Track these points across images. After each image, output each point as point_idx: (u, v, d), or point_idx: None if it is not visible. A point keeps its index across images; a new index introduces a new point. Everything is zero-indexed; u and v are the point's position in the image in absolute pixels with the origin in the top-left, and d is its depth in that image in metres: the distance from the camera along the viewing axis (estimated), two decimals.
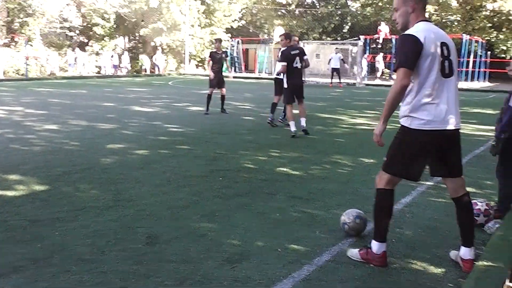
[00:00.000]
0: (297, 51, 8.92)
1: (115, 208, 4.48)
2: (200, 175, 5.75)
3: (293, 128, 8.69)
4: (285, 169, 6.12)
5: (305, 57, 8.97)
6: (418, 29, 3.09)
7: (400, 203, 4.75)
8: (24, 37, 27.44)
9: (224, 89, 12.10)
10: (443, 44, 3.12)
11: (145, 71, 32.62)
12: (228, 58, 15.32)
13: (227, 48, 35.92)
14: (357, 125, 10.40)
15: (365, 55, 27.94)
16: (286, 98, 9.03)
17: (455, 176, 3.47)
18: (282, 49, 9.12)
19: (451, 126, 3.17)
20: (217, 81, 11.93)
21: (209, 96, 11.93)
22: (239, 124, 10.23)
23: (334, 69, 24.27)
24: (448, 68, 3.13)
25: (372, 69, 29.28)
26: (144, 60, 32.98)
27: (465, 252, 3.30)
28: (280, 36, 9.73)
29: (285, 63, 8.77)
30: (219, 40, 12.65)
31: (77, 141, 7.80)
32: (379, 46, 29.61)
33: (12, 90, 18.32)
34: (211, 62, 11.96)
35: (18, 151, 6.97)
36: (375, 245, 3.34)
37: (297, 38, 10.46)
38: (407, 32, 3.11)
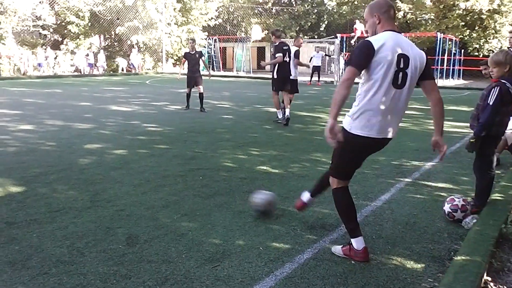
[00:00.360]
0: (287, 47, 10.04)
1: (94, 208, 4.42)
2: (179, 174, 5.72)
3: (280, 115, 10.18)
4: (264, 167, 6.13)
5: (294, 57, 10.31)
6: (378, 37, 3.15)
7: (379, 200, 4.81)
8: None
9: (201, 87, 12.24)
10: (401, 56, 3.10)
11: (122, 70, 32.21)
12: (205, 58, 15.71)
13: (204, 47, 35.81)
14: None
15: (342, 53, 28.18)
16: (275, 87, 10.22)
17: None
18: (275, 44, 10.11)
19: (388, 135, 3.31)
20: (194, 81, 12.22)
21: (188, 95, 12.45)
22: (217, 123, 10.20)
23: (315, 67, 24.60)
24: (401, 80, 3.14)
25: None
26: (119, 61, 32.53)
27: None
28: (270, 32, 11.15)
29: (281, 54, 9.86)
30: (192, 40, 12.83)
31: (53, 141, 7.67)
32: (355, 44, 29.85)
33: None
34: (186, 62, 12.32)
35: None
36: (353, 242, 3.39)
37: (301, 41, 11.54)
38: (367, 38, 3.18)
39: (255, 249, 3.55)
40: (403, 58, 3.11)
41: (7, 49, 27.46)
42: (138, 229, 3.92)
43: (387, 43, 3.09)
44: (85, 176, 5.55)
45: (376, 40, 3.10)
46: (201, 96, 12.18)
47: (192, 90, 12.35)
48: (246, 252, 3.50)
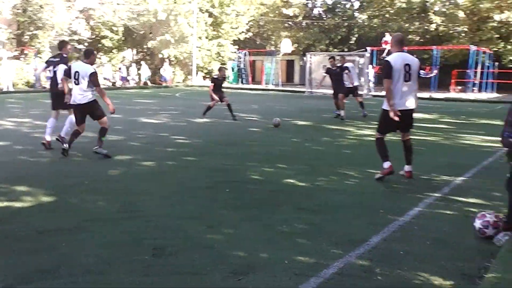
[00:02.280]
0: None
1: (122, 219, 4.48)
2: (206, 186, 5.76)
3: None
4: (292, 181, 6.11)
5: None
6: (392, 57, 6.06)
7: (408, 215, 4.72)
8: (34, 49, 27.74)
9: (226, 98, 13.26)
10: (406, 64, 5.95)
11: (146, 84, 32.43)
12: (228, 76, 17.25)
13: (233, 60, 36.21)
14: (364, 136, 10.37)
15: (372, 66, 27.97)
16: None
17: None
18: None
19: (406, 107, 6.03)
20: (219, 97, 13.27)
21: (209, 107, 13.46)
22: (245, 136, 10.25)
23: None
24: (408, 76, 5.98)
25: (379, 80, 29.27)
26: (143, 71, 32.65)
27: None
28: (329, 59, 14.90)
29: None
30: (223, 69, 14.29)
31: (83, 153, 7.83)
32: (386, 56, 29.63)
33: (20, 102, 18.48)
34: (213, 86, 13.52)
35: (26, 162, 7.02)
36: (384, 164, 6.05)
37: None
38: (386, 58, 6.15)
39: (280, 263, 3.53)
40: (408, 65, 5.98)
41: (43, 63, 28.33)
42: (164, 240, 3.96)
43: (397, 59, 6.00)
44: (114, 187, 5.66)
45: (391, 59, 6.03)
46: (229, 106, 13.10)
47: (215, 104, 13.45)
48: (272, 266, 3.48)
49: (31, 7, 28.59)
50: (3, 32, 27.84)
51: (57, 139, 8.19)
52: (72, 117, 8.18)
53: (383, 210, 4.86)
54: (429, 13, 33.34)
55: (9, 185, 5.61)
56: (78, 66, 7.54)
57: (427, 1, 33.69)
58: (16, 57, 28.44)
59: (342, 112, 13.68)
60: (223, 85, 14.04)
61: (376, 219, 4.59)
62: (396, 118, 5.81)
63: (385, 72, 5.99)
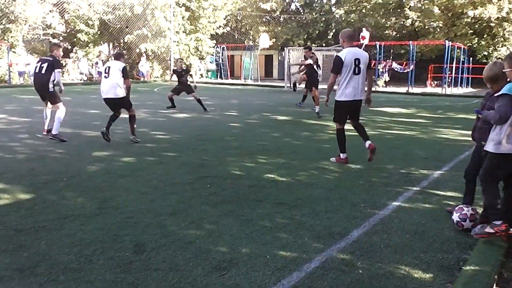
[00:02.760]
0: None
1: (101, 216, 4.43)
2: (187, 182, 5.73)
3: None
4: (272, 176, 6.13)
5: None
6: (343, 52, 6.60)
7: (387, 209, 4.78)
8: (7, 43, 27.11)
9: (193, 93, 13.99)
10: (356, 59, 6.51)
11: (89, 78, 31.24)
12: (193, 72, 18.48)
13: (212, 55, 36.04)
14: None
15: None
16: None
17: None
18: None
19: (356, 98, 6.64)
20: (184, 89, 14.14)
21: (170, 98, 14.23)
22: (225, 131, 10.22)
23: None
24: (357, 70, 6.53)
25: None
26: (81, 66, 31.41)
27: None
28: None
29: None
30: (179, 61, 14.71)
31: (61, 149, 7.72)
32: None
33: None
34: (173, 76, 14.49)
35: (2, 159, 6.87)
36: (341, 155, 6.89)
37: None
38: (337, 54, 6.66)
39: (262, 258, 3.54)
40: (357, 59, 6.54)
41: (17, 57, 27.71)
42: (145, 236, 3.93)
43: (348, 54, 6.57)
44: (93, 184, 5.58)
45: (342, 54, 6.59)
46: (198, 100, 13.97)
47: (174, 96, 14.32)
48: (254, 261, 3.49)
49: (3, 0, 27.89)
50: None
51: (51, 138, 8.53)
52: (59, 113, 8.71)
53: (362, 204, 4.91)
54: (405, 9, 33.72)
55: None
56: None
57: None
58: None
59: (317, 108, 13.19)
60: (185, 78, 14.16)
61: (356, 213, 4.64)
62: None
63: (335, 66, 6.56)
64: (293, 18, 41.41)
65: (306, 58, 14.04)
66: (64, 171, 6.16)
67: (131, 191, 5.28)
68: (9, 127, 10.13)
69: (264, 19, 41.40)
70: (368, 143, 6.68)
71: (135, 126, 8.68)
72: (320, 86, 13.71)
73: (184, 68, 14.82)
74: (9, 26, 28.90)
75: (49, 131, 8.84)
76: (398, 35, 37.47)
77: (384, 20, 35.91)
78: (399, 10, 35.11)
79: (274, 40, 38.31)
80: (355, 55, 6.52)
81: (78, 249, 3.64)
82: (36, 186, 5.39)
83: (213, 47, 36.55)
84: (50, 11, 32.86)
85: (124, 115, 8.77)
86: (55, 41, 31.13)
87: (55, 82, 8.82)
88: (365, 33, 28.06)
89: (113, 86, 8.37)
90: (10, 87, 24.40)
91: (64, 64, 30.37)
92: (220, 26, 37.50)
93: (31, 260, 3.43)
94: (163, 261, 3.45)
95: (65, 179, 5.75)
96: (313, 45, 38.40)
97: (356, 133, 6.94)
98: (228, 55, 37.17)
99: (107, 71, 8.45)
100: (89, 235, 3.95)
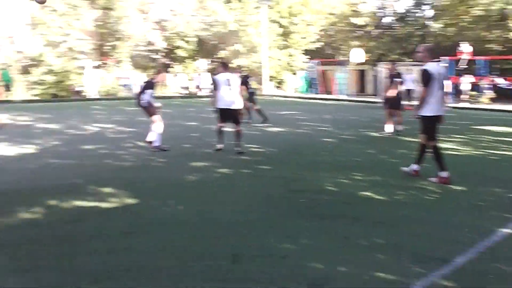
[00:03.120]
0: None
1: (200, 224, 4.60)
2: (281, 195, 5.77)
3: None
4: (368, 193, 5.97)
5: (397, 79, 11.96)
6: (429, 66, 6.49)
7: (496, 236, 4.45)
8: (114, 59, 29.35)
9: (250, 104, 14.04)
10: (439, 73, 6.47)
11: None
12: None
13: (304, 70, 36.23)
14: (443, 150, 9.92)
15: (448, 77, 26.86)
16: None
17: None
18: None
19: (439, 113, 6.56)
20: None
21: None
22: (318, 146, 10.17)
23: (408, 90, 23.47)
24: (440, 85, 6.48)
25: (456, 91, 28.01)
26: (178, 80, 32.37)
27: None
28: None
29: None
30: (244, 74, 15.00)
31: (162, 158, 8.14)
32: (463, 67, 28.29)
33: (104, 108, 19.56)
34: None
35: (111, 166, 7.40)
36: (442, 173, 6.48)
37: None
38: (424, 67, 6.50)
39: (359, 277, 3.46)
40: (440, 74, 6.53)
41: (122, 72, 29.85)
42: (242, 247, 4.00)
43: (433, 68, 6.48)
44: (192, 192, 5.83)
45: (428, 68, 6.45)
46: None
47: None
48: (350, 280, 3.41)
49: (110, 20, 30.28)
50: (87, 43, 29.66)
51: (153, 150, 8.83)
52: (157, 125, 8.93)
53: (467, 229, 4.62)
54: (509, 21, 31.51)
55: (96, 186, 5.94)
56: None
57: (505, 8, 31.90)
58: (99, 67, 30.16)
59: (400, 127, 12.11)
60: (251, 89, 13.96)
61: (459, 237, 4.38)
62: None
63: (425, 79, 6.47)
64: (386, 33, 40.40)
65: (392, 75, 12.28)
66: (166, 180, 6.48)
67: (228, 202, 5.42)
68: (116, 136, 10.90)
69: (355, 34, 40.81)
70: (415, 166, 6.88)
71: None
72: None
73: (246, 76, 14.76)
74: (116, 43, 31.25)
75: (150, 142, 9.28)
76: (503, 49, 35.10)
77: (486, 33, 33.83)
78: (502, 22, 32.90)
79: (369, 55, 37.58)
80: (438, 70, 6.56)
81: (179, 254, 3.80)
82: (141, 192, 5.74)
83: (306, 62, 36.68)
84: (152, 28, 35.03)
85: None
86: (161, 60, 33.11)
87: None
88: (465, 48, 26.57)
89: (236, 97, 8.74)
90: (116, 99, 26.27)
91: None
92: (312, 42, 37.59)
93: (135, 261, 3.65)
94: (259, 273, 3.49)
95: (167, 187, 6.06)
96: (409, 60, 37.19)
97: (455, 152, 6.60)
98: (321, 70, 37.06)
99: (228, 83, 8.68)
100: (189, 242, 4.11)
